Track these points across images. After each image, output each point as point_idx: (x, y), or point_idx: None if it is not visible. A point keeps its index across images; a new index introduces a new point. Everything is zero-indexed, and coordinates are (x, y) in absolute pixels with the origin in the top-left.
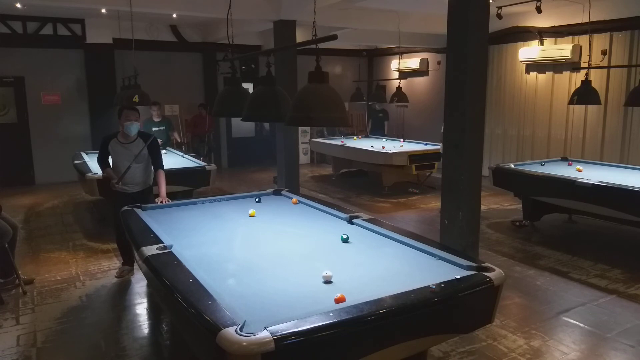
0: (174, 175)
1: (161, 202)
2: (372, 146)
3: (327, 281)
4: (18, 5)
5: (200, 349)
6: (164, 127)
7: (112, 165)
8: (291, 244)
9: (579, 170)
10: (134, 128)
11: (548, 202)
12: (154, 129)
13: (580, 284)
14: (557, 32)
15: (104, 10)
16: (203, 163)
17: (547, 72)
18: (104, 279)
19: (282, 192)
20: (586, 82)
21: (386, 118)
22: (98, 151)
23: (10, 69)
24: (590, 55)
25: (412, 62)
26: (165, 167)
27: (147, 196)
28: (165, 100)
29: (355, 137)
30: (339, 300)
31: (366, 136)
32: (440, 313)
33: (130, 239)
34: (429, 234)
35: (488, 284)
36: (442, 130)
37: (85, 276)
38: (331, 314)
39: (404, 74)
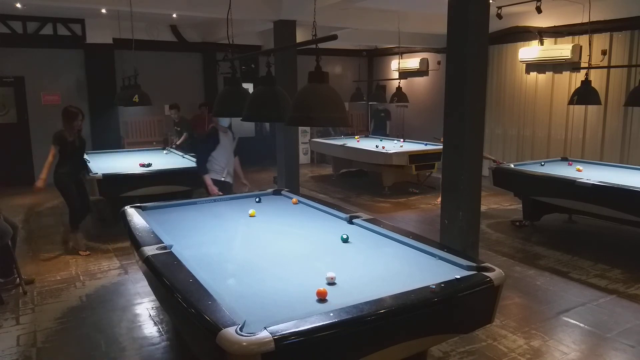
0: (174, 175)
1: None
2: (376, 146)
3: (331, 283)
4: (18, 5)
5: (200, 349)
6: (180, 129)
7: (216, 157)
8: (291, 244)
9: (579, 170)
10: (226, 120)
11: (548, 202)
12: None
13: (580, 284)
14: (557, 32)
15: (104, 11)
16: None
17: (547, 72)
18: (104, 279)
19: (282, 192)
20: (586, 82)
21: (388, 118)
22: (204, 146)
23: (10, 69)
24: (590, 55)
25: (412, 62)
26: (165, 167)
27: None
28: (165, 100)
29: (356, 137)
30: (321, 294)
31: (366, 136)
32: (440, 313)
33: (130, 239)
34: (429, 234)
35: (488, 284)
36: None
37: (85, 276)
38: (331, 314)
39: (404, 74)
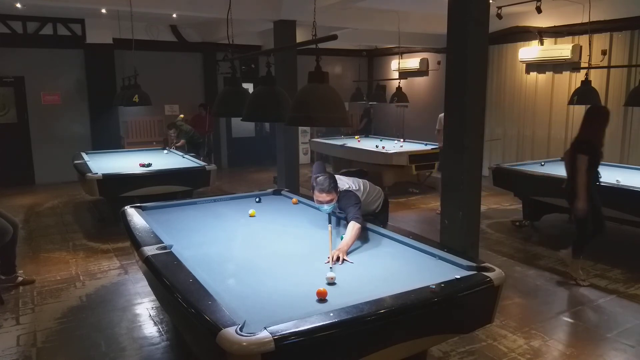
0: (174, 175)
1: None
2: (376, 146)
3: (331, 283)
4: (18, 5)
5: (200, 349)
6: (178, 137)
7: None
8: (291, 244)
9: None
10: (323, 209)
11: (548, 202)
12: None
13: None
14: (557, 32)
15: (104, 10)
16: (203, 163)
17: (547, 72)
18: (104, 279)
19: (282, 192)
20: (586, 82)
21: (366, 115)
22: None
23: (10, 69)
24: (590, 55)
25: (412, 62)
26: (165, 167)
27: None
28: (165, 100)
29: (357, 137)
30: (321, 294)
31: (366, 136)
32: (440, 313)
33: (130, 239)
34: (429, 234)
35: (488, 284)
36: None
37: (85, 276)
38: (331, 314)
39: (404, 74)
